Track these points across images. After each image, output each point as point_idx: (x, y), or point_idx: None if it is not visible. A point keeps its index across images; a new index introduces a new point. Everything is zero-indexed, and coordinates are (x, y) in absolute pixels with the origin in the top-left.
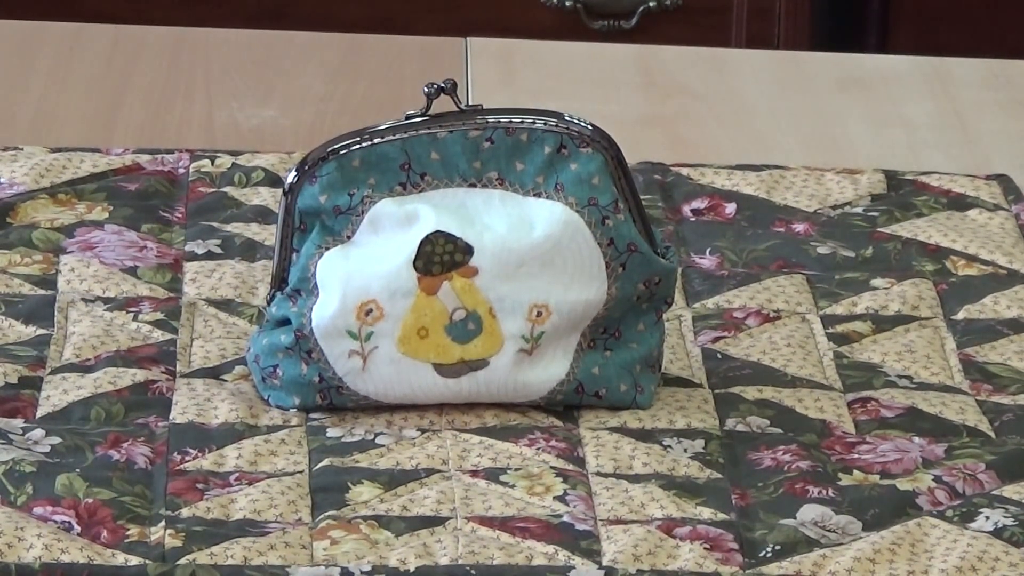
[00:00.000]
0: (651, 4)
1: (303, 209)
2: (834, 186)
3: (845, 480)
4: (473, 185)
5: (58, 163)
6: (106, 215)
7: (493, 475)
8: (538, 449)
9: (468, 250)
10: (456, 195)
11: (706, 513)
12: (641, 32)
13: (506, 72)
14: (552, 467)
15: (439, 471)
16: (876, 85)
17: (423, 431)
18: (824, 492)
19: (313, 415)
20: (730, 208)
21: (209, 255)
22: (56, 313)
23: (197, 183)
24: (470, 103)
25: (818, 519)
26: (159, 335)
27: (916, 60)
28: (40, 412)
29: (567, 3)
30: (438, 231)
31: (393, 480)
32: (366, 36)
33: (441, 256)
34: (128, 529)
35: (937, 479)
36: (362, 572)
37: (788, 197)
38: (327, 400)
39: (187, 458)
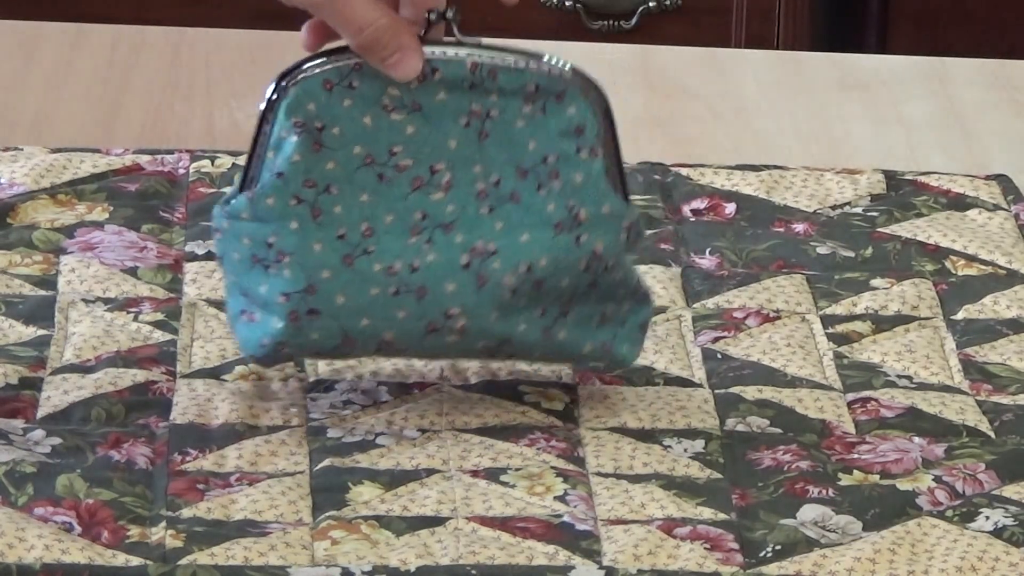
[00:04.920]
0: (651, 4)
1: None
2: (834, 186)
3: (845, 480)
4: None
5: (58, 163)
6: (106, 215)
7: (493, 475)
8: (538, 449)
9: None
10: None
11: (706, 513)
12: (641, 32)
13: None
14: (552, 467)
15: (439, 471)
16: (876, 85)
17: (423, 431)
18: (824, 492)
19: (313, 415)
20: (730, 208)
21: (209, 255)
22: (56, 313)
23: (197, 183)
24: None
25: (818, 519)
26: (159, 335)
27: (916, 60)
28: (40, 413)
29: (567, 3)
30: None
31: (393, 480)
32: None
33: None
34: (129, 530)
35: (937, 479)
36: (363, 572)
37: (788, 197)
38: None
39: (187, 458)
